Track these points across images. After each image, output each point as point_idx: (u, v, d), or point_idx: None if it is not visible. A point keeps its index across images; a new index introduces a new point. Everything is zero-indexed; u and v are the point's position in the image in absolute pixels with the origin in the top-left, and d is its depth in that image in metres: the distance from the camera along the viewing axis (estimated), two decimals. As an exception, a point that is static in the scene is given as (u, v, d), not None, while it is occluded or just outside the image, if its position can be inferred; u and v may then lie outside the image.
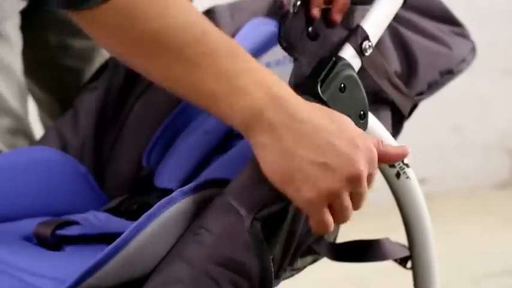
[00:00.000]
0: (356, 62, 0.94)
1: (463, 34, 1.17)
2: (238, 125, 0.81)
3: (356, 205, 0.84)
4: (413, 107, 1.10)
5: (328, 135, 0.81)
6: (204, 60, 0.79)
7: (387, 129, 1.02)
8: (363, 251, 1.05)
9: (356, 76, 0.93)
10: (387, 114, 1.04)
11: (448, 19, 1.17)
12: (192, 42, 0.79)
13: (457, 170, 2.87)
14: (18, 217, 1.08)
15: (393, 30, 1.07)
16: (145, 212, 0.84)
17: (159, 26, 0.79)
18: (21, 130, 1.26)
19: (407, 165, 1.02)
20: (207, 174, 1.04)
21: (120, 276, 0.84)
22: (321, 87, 0.90)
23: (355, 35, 0.94)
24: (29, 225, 1.03)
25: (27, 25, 1.33)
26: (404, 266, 1.10)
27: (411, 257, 1.08)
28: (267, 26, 1.16)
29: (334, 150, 0.81)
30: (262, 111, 0.79)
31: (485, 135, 2.88)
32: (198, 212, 0.85)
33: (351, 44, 0.94)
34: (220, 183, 0.88)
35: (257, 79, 0.80)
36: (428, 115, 2.81)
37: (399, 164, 1.01)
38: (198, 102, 0.83)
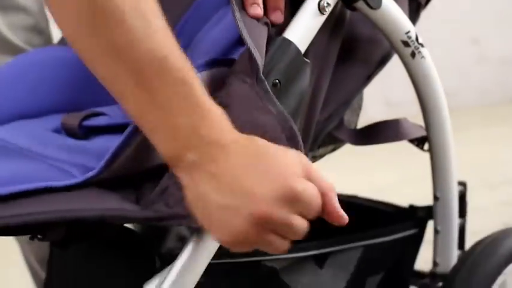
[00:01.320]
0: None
1: None
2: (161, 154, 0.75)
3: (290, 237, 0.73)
4: None
5: (240, 174, 0.72)
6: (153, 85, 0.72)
7: (404, 12, 1.02)
8: (383, 131, 1.06)
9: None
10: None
11: None
12: (148, 64, 0.72)
13: (475, 84, 2.87)
14: (45, 112, 1.10)
15: None
16: None
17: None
18: (37, 27, 1.27)
19: (422, 45, 1.03)
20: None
21: (144, 160, 0.83)
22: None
23: None
24: (58, 119, 1.05)
25: None
26: (422, 148, 1.11)
27: (428, 139, 1.09)
28: None
29: (239, 189, 0.71)
30: (185, 153, 0.73)
31: (503, 49, 2.87)
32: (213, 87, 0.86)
33: None
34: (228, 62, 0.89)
35: (194, 123, 0.73)
36: (447, 28, 2.81)
37: (414, 43, 1.02)
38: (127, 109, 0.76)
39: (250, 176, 0.71)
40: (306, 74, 0.89)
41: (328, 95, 0.98)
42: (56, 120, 1.05)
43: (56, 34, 1.36)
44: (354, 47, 1.03)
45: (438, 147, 1.08)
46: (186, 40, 1.10)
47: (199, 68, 0.85)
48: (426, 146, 1.11)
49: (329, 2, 0.91)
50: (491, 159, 2.48)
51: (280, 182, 0.71)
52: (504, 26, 2.85)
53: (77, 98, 1.11)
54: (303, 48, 0.89)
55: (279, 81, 0.86)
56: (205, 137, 0.72)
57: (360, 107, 1.14)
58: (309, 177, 0.72)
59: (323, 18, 0.91)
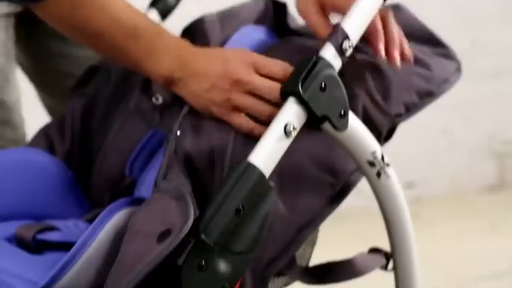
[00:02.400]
0: (337, 62, 0.95)
1: (447, 55, 1.16)
2: (161, 84, 1.07)
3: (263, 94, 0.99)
4: (392, 129, 1.09)
5: (213, 69, 1.02)
6: (132, 46, 1.05)
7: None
8: (336, 272, 1.05)
9: (336, 76, 0.93)
10: None
11: (430, 40, 1.16)
12: (123, 36, 1.04)
13: (446, 174, 2.88)
14: (2, 217, 1.09)
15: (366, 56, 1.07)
16: None
17: (102, 25, 1.05)
18: (11, 122, 1.28)
19: (387, 165, 1.03)
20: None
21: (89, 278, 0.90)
22: (302, 86, 0.90)
23: (336, 34, 0.95)
24: (13, 227, 1.04)
25: (30, 33, 1.35)
26: (385, 269, 1.10)
27: (393, 258, 1.08)
28: (256, 34, 1.18)
29: (215, 74, 1.02)
30: (172, 74, 1.03)
31: (473, 139, 2.89)
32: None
33: (331, 43, 0.94)
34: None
35: (170, 53, 1.05)
36: (417, 119, 2.84)
37: (380, 163, 1.02)
38: (126, 66, 1.11)
39: (214, 66, 1.02)
40: (270, 199, 0.88)
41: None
42: (10, 228, 1.04)
43: (30, 130, 1.35)
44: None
45: (403, 267, 1.08)
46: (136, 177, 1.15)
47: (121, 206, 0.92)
48: (390, 265, 1.10)
49: (295, 126, 0.91)
50: (459, 255, 2.46)
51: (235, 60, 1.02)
52: (474, 116, 2.87)
53: (37, 208, 1.10)
54: (267, 172, 0.89)
55: (243, 207, 0.86)
56: (183, 62, 1.04)
57: (314, 242, 1.11)
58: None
59: (289, 141, 0.91)
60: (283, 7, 1.19)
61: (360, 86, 1.03)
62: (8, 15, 1.29)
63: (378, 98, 1.05)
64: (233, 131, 1.00)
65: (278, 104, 0.95)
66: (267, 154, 0.90)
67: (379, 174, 1.02)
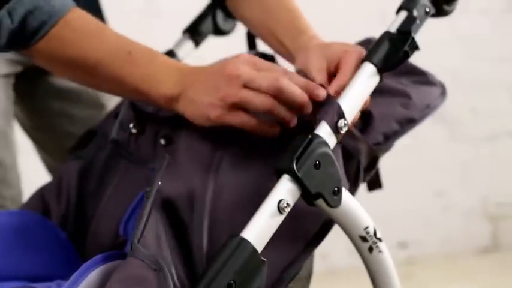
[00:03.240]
0: (331, 140, 0.96)
1: (428, 81, 1.19)
2: (163, 106, 1.06)
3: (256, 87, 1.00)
4: (373, 159, 1.11)
5: (211, 74, 1.03)
6: (129, 71, 1.05)
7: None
8: None
9: (331, 154, 0.94)
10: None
11: (408, 70, 1.19)
12: (119, 63, 1.05)
13: (439, 235, 2.88)
14: None
15: None
16: None
17: (96, 56, 1.05)
18: (7, 180, 1.31)
19: (380, 240, 1.04)
20: None
21: None
22: (296, 164, 0.92)
23: (332, 112, 0.97)
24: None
25: (30, 93, 1.37)
26: None
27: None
28: None
29: (212, 78, 1.02)
30: (172, 91, 1.04)
31: (467, 200, 2.90)
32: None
33: (326, 122, 0.96)
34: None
35: (168, 71, 1.05)
36: (411, 179, 2.85)
37: (372, 238, 1.03)
38: (127, 97, 1.13)
39: (212, 71, 1.03)
40: (262, 274, 0.89)
41: None
42: None
43: (26, 191, 1.36)
44: None
45: None
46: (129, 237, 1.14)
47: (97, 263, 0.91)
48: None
49: (288, 203, 0.92)
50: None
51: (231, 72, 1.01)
52: (468, 178, 2.89)
53: (30, 270, 1.11)
54: (260, 247, 0.90)
55: (234, 282, 0.86)
56: (182, 77, 1.04)
57: (310, 275, 1.12)
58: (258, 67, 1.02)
59: (282, 217, 0.92)
60: (272, 59, 1.22)
61: None
62: (7, 75, 1.31)
63: (355, 131, 1.08)
64: (213, 169, 1.01)
65: (275, 97, 0.99)
66: (259, 230, 0.90)
67: (371, 249, 1.03)
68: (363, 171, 1.11)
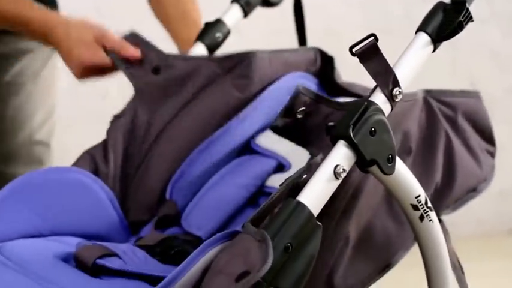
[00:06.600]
0: (386, 107, 0.97)
1: (492, 154, 1.23)
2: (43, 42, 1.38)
3: None
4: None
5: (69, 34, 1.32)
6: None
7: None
8: None
9: (386, 121, 0.95)
10: None
11: (487, 136, 1.23)
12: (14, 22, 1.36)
13: (474, 215, 2.88)
14: (48, 234, 1.12)
15: (448, 140, 1.15)
16: (181, 258, 0.92)
17: None
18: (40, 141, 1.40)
19: (430, 209, 1.04)
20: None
21: None
22: (352, 130, 0.93)
23: (387, 80, 0.97)
24: (65, 246, 1.08)
25: None
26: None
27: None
28: (304, 80, 1.28)
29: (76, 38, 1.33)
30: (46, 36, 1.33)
31: (501, 181, 2.90)
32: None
33: (381, 90, 0.97)
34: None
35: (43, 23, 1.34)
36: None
37: (423, 207, 1.03)
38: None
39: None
40: (317, 238, 0.90)
41: None
42: (63, 246, 1.07)
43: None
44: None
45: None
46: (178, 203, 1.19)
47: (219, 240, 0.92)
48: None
49: (344, 168, 0.93)
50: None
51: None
52: (502, 159, 2.88)
53: (79, 226, 1.14)
54: (316, 212, 0.91)
55: (291, 245, 0.88)
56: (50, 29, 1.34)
57: None
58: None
59: (338, 182, 0.93)
60: (331, 61, 1.24)
61: None
62: None
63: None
64: None
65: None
66: (316, 194, 0.92)
67: (422, 218, 1.04)
68: None
